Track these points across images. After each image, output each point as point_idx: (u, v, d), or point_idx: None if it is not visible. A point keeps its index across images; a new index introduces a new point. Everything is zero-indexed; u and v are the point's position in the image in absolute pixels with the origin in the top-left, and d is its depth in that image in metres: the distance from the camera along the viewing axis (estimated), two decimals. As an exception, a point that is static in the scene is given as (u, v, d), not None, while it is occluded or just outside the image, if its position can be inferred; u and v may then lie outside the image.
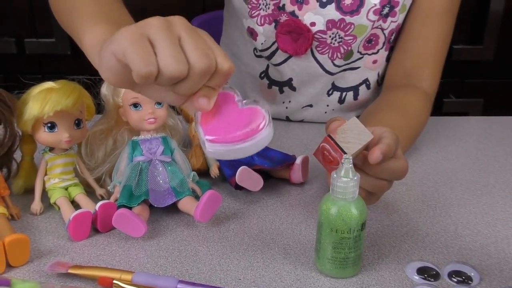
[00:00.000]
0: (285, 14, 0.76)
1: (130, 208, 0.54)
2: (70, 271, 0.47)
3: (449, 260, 0.51)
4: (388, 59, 0.83)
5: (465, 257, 0.52)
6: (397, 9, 0.76)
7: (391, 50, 0.83)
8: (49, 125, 0.56)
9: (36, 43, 1.39)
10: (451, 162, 0.74)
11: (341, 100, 0.85)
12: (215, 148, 0.44)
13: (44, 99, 0.54)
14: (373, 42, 0.79)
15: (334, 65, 0.80)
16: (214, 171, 0.64)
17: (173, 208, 0.57)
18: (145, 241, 0.53)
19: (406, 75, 0.80)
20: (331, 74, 0.81)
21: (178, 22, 0.40)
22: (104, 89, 0.62)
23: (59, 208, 0.57)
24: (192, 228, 0.56)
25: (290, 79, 0.83)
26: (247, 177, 0.60)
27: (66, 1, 0.63)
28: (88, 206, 0.56)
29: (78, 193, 0.58)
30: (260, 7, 0.78)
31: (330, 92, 0.84)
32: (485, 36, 1.47)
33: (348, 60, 0.80)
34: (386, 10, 0.75)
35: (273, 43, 0.79)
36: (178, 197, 0.57)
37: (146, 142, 0.60)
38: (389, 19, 0.77)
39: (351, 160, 0.46)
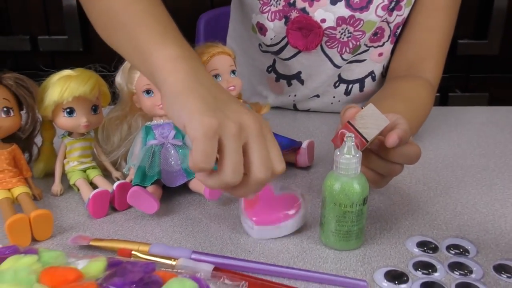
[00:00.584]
0: (295, 11, 0.79)
1: (144, 188, 0.58)
2: (91, 243, 0.50)
3: (447, 235, 0.54)
4: (392, 51, 0.86)
5: (463, 232, 0.54)
6: (402, 3, 0.79)
7: (396, 42, 0.85)
8: (68, 110, 0.59)
9: (49, 40, 1.44)
10: (452, 148, 0.76)
11: (347, 92, 0.87)
12: (261, 228, 0.52)
13: (63, 86, 0.58)
14: (378, 35, 0.81)
15: (343, 59, 0.82)
16: (224, 155, 0.67)
17: (185, 188, 0.60)
18: (159, 217, 0.57)
19: (410, 66, 0.82)
20: (339, 67, 0.84)
21: (251, 127, 0.43)
22: (119, 78, 0.65)
23: (78, 189, 0.60)
24: (203, 206, 0.59)
25: (299, 73, 0.85)
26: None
27: (112, 16, 0.55)
28: (105, 186, 0.59)
29: (95, 175, 0.61)
30: (271, 2, 0.80)
31: (336, 84, 0.87)
32: (489, 32, 1.49)
33: (355, 53, 0.83)
34: (392, 4, 0.78)
35: (283, 39, 0.82)
36: (189, 177, 0.60)
37: (159, 127, 0.63)
38: (395, 12, 0.79)
39: (353, 138, 0.49)
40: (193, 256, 0.49)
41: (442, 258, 0.50)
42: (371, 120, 0.52)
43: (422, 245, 0.52)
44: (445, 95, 1.52)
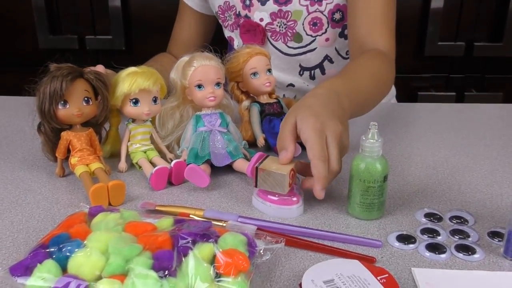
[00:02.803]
0: (242, 18, 0.99)
1: (198, 165, 0.69)
2: (157, 208, 0.62)
3: (451, 208, 0.64)
4: (341, 35, 0.97)
5: (464, 207, 0.64)
6: None
7: (343, 27, 0.95)
8: (134, 100, 0.71)
9: (95, 40, 1.57)
10: (461, 139, 0.86)
11: (312, 77, 1.03)
12: (277, 206, 0.62)
13: (131, 80, 0.69)
14: (318, 25, 0.95)
15: (289, 47, 0.99)
16: (261, 141, 0.78)
17: (229, 168, 0.72)
18: (209, 191, 0.68)
19: (361, 45, 0.86)
20: (291, 55, 1.00)
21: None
22: (173, 74, 0.76)
23: (139, 167, 0.72)
24: (244, 182, 0.70)
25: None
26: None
27: None
28: (164, 165, 0.70)
29: (154, 156, 0.73)
30: (227, 18, 1.03)
31: (301, 73, 1.02)
32: (505, 34, 1.57)
33: (301, 43, 0.98)
34: None
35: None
36: (233, 158, 0.71)
37: (207, 116, 0.74)
38: (324, 2, 0.92)
39: (376, 125, 0.59)
40: (239, 219, 0.60)
41: (445, 226, 0.60)
42: (271, 179, 0.61)
43: (429, 215, 0.62)
44: (461, 94, 1.60)
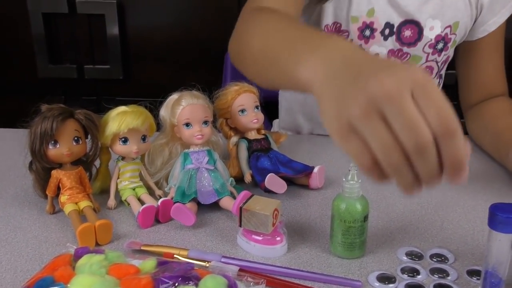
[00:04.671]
0: None
1: (184, 204, 0.71)
2: (142, 248, 0.63)
3: (432, 246, 0.65)
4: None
5: (446, 244, 0.65)
6: (449, 45, 0.91)
7: (441, 78, 0.97)
8: (123, 139, 0.73)
9: (93, 69, 1.60)
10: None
11: None
12: (261, 246, 0.63)
13: (121, 120, 0.71)
14: (428, 72, 0.93)
15: None
16: (248, 178, 0.79)
17: (216, 205, 0.73)
18: (195, 229, 0.69)
19: (488, 90, 0.96)
20: None
21: (379, 93, 0.36)
22: (163, 112, 0.78)
23: (128, 204, 0.74)
24: (231, 220, 0.71)
25: None
26: (274, 181, 0.75)
27: (263, 58, 0.61)
28: (151, 202, 0.72)
29: (143, 193, 0.75)
30: None
31: None
32: None
33: None
34: (440, 45, 0.90)
35: None
36: (219, 196, 0.73)
37: (195, 153, 0.76)
38: (443, 53, 0.91)
39: (356, 167, 0.61)
40: (223, 259, 0.61)
41: (425, 265, 0.61)
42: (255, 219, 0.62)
43: (410, 254, 0.63)
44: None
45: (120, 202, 0.75)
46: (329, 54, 0.45)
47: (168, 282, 0.51)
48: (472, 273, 0.59)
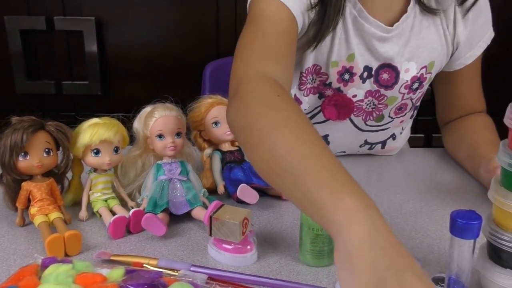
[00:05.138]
0: (330, 90, 0.90)
1: (155, 214, 0.71)
2: (112, 258, 0.63)
3: (399, 255, 0.66)
4: (411, 116, 0.99)
5: (413, 252, 0.66)
6: (424, 83, 0.92)
7: (415, 109, 0.98)
8: (95, 151, 0.73)
9: (72, 85, 1.60)
10: (417, 184, 0.89)
11: (370, 149, 1.01)
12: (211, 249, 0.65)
13: (92, 131, 0.72)
14: (402, 109, 0.94)
15: (366, 124, 0.95)
16: (221, 189, 0.80)
17: (188, 216, 0.73)
18: (166, 239, 0.69)
19: (467, 109, 0.98)
20: (362, 130, 0.96)
21: None
22: (136, 124, 0.79)
23: (100, 216, 0.74)
24: (202, 230, 0.72)
25: (327, 135, 0.97)
26: (246, 192, 0.76)
27: (276, 162, 0.54)
28: (123, 213, 0.72)
29: (115, 204, 0.75)
30: (308, 81, 0.90)
31: (361, 145, 0.99)
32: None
33: (380, 123, 0.96)
34: (415, 85, 0.91)
35: (315, 109, 0.94)
36: (191, 206, 0.73)
37: (168, 165, 0.76)
38: (418, 91, 0.92)
39: None
40: (192, 268, 0.61)
41: (392, 273, 0.62)
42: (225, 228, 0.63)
43: (377, 262, 0.64)
44: (429, 136, 1.65)
45: (93, 214, 0.75)
46: (371, 212, 0.45)
47: (134, 290, 0.51)
48: (438, 280, 0.60)
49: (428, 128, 1.66)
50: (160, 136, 0.76)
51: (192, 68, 1.54)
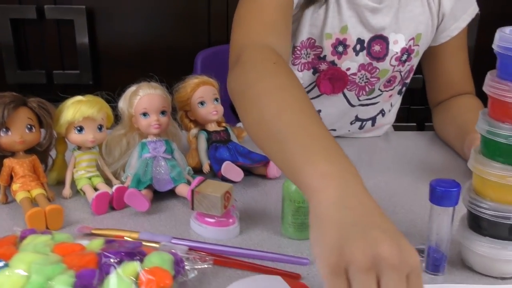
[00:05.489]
0: (325, 63, 0.90)
1: (139, 191, 0.71)
2: (93, 231, 0.63)
3: (382, 228, 0.66)
4: (399, 92, 1.00)
5: (396, 226, 0.66)
6: (412, 55, 0.94)
7: (404, 85, 1.00)
8: (78, 128, 0.73)
9: (63, 74, 1.60)
10: (404, 164, 0.89)
11: (361, 127, 1.01)
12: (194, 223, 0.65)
13: (75, 108, 0.72)
14: (391, 82, 0.95)
15: (359, 99, 0.96)
16: (206, 167, 0.80)
17: (172, 193, 0.73)
18: (149, 215, 0.69)
19: (455, 88, 0.99)
20: (353, 106, 0.97)
21: (388, 260, 0.38)
22: (121, 103, 0.79)
23: (84, 194, 0.73)
24: (185, 207, 0.71)
25: (319, 111, 0.97)
26: (230, 169, 0.76)
27: (264, 127, 0.55)
28: (106, 190, 0.72)
29: (98, 182, 0.74)
30: (302, 55, 0.91)
31: (352, 122, 1.00)
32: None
33: (370, 96, 0.96)
34: (404, 57, 0.93)
35: (310, 85, 0.94)
36: (175, 183, 0.73)
37: (152, 143, 0.76)
38: (406, 63, 0.94)
39: None
40: (173, 241, 0.61)
41: (374, 245, 0.62)
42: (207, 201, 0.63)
43: (359, 235, 0.64)
44: (422, 126, 1.65)
45: (77, 193, 0.75)
46: (346, 177, 0.45)
47: (111, 257, 0.51)
48: (418, 251, 0.60)
49: (421, 117, 1.66)
50: (144, 114, 0.75)
51: (184, 57, 1.54)
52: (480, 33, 1.60)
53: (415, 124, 1.64)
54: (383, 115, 1.01)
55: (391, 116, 1.05)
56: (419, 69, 1.03)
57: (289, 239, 0.63)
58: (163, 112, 0.76)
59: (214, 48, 1.49)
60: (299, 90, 0.58)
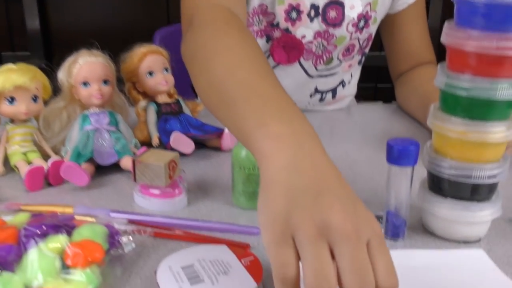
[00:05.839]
0: (278, 30, 0.86)
1: (78, 164, 0.65)
2: (22, 207, 0.57)
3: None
4: (360, 62, 0.97)
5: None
6: (370, 21, 0.90)
7: (363, 55, 0.96)
8: (9, 99, 0.66)
9: (13, 56, 1.51)
10: (365, 134, 0.85)
11: (321, 100, 0.97)
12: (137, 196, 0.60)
13: (5, 76, 0.65)
14: (349, 50, 0.91)
15: (316, 69, 0.92)
16: (155, 140, 0.74)
17: (117, 167, 0.68)
18: (89, 189, 0.63)
19: (416, 57, 0.96)
20: (312, 77, 0.92)
21: (338, 228, 0.34)
22: (60, 73, 0.72)
23: (18, 170, 0.67)
24: (130, 180, 0.66)
25: None
26: (180, 140, 0.71)
27: (214, 90, 0.50)
28: (42, 165, 0.66)
29: (35, 157, 0.68)
30: (254, 23, 0.86)
31: (312, 95, 0.95)
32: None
33: (329, 65, 0.92)
34: (362, 23, 0.89)
35: (264, 54, 0.89)
36: (119, 156, 0.67)
37: (95, 115, 0.70)
38: (364, 30, 0.90)
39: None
40: (112, 214, 0.56)
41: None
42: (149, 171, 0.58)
43: (315, 203, 0.60)
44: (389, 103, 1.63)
45: (11, 170, 0.68)
46: (301, 138, 0.40)
47: (33, 231, 0.45)
48: (377, 218, 0.56)
49: (388, 95, 1.64)
50: (85, 83, 0.70)
51: (142, 36, 1.46)
52: (445, 15, 1.59)
53: (382, 102, 1.62)
54: (343, 86, 0.98)
55: (352, 87, 1.01)
56: (377, 45, 1.00)
57: (241, 209, 0.59)
58: (105, 82, 0.71)
59: (173, 26, 1.43)
60: (252, 48, 0.53)
